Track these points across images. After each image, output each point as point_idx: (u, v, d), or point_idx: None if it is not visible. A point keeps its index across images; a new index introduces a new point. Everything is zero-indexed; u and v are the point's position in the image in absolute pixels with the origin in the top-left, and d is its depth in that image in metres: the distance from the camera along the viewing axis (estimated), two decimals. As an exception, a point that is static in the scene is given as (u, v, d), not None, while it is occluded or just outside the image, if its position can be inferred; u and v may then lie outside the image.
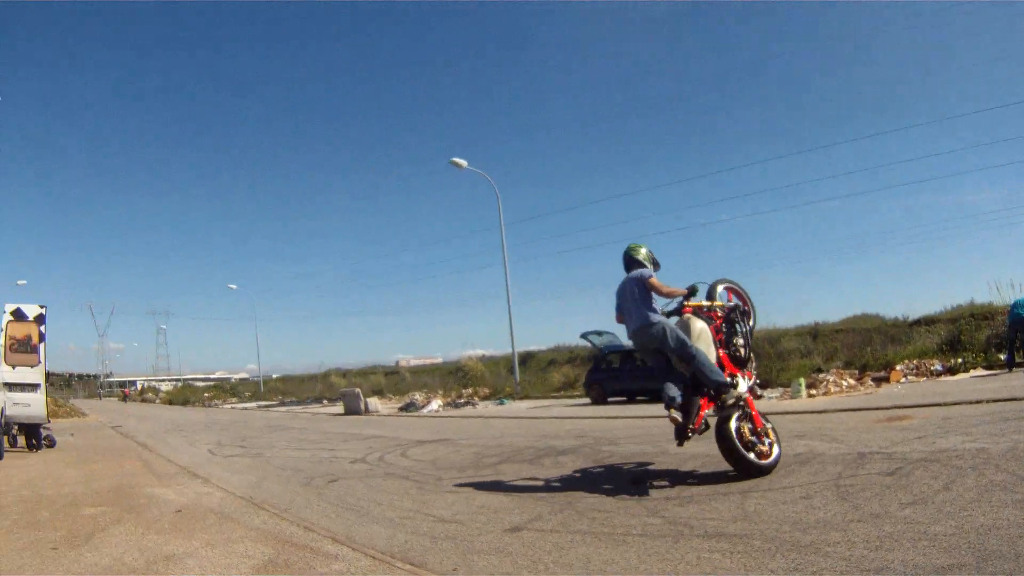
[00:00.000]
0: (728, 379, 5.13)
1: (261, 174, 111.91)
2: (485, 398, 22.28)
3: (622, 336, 17.85)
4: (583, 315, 72.61)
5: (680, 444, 5.20)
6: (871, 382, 12.62)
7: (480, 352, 35.87)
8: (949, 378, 12.09)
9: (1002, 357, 12.64)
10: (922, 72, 64.71)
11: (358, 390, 21.88)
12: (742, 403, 5.12)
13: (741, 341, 5.55)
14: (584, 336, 17.59)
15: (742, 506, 4.08)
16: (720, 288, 5.73)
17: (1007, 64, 53.76)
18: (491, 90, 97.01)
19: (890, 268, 63.98)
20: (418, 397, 23.79)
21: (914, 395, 9.34)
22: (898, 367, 13.48)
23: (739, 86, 75.86)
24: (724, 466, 5.47)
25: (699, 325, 5.34)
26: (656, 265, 5.74)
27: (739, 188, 72.90)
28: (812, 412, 8.88)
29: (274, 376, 59.13)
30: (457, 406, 20.03)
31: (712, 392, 5.10)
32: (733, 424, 4.95)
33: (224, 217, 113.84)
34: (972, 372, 12.47)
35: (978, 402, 7.34)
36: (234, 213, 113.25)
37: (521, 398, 21.09)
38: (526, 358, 29.92)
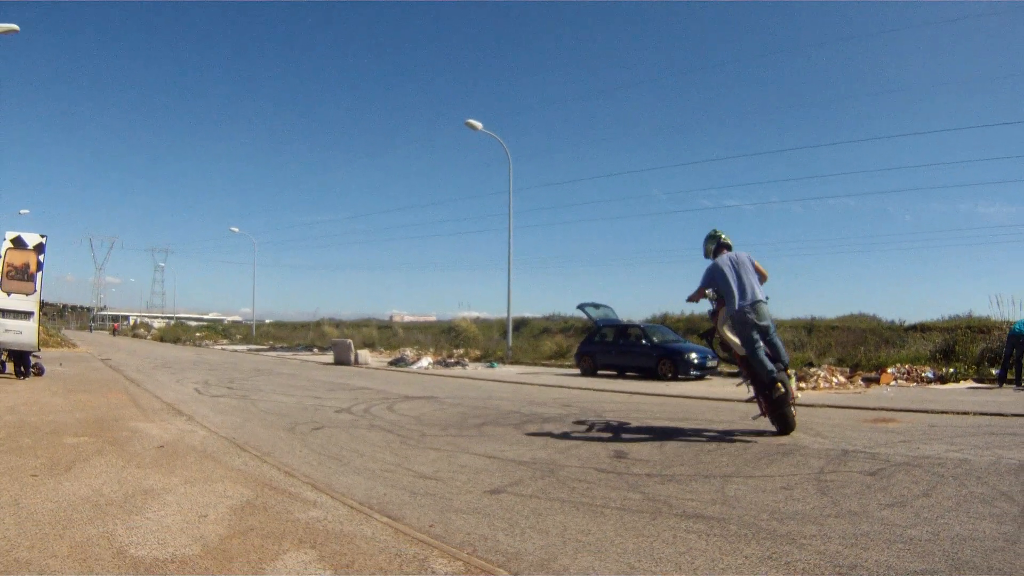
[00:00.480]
0: None
1: (273, 121, 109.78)
2: (476, 359, 22.37)
3: (620, 311, 17.90)
4: (581, 286, 72.71)
5: (782, 414, 5.97)
6: (861, 382, 12.66)
7: (475, 314, 35.80)
8: (939, 386, 12.10)
9: (995, 372, 12.67)
10: (947, 78, 63.24)
11: (349, 341, 21.92)
12: None
13: None
14: (581, 307, 17.53)
15: (722, 490, 4.10)
16: None
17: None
18: (510, 57, 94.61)
19: (893, 271, 63.89)
20: (409, 353, 23.91)
21: (903, 399, 9.36)
22: (889, 370, 13.50)
23: (758, 71, 74.13)
24: (707, 448, 5.55)
25: None
26: None
27: (750, 176, 71.76)
28: (800, 405, 8.86)
29: (267, 321, 59.36)
30: (447, 365, 20.11)
31: (784, 366, 6.09)
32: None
33: (232, 160, 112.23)
34: (963, 383, 12.50)
35: (965, 413, 7.33)
36: (242, 157, 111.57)
37: (512, 363, 21.18)
38: (520, 324, 29.93)
